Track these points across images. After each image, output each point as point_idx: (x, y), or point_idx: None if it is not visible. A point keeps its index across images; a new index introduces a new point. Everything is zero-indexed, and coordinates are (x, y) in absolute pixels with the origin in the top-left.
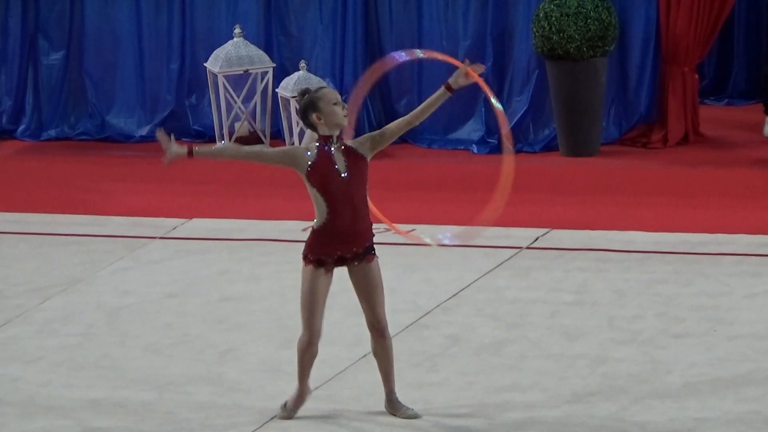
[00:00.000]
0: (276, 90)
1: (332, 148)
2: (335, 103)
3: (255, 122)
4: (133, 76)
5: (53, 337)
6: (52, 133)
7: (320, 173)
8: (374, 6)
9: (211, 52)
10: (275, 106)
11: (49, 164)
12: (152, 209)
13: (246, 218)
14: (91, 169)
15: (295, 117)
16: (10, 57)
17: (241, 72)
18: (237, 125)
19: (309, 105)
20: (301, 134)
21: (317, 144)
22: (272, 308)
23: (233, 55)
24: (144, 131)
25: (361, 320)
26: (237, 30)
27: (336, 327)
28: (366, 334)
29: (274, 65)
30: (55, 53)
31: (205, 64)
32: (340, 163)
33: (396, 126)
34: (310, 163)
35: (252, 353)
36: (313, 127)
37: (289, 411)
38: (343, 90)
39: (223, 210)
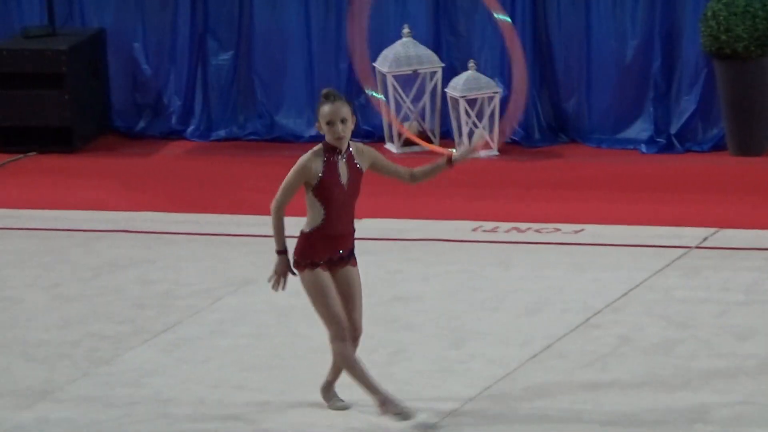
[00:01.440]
0: (445, 90)
1: (338, 161)
2: (329, 122)
3: (424, 122)
4: (302, 76)
5: (224, 338)
6: (222, 133)
7: (326, 186)
8: (542, 6)
9: (380, 52)
10: (444, 106)
11: (219, 164)
12: None
13: (417, 218)
14: (261, 169)
15: (464, 116)
16: (179, 57)
17: (410, 72)
18: (406, 125)
19: (315, 115)
20: (470, 134)
21: (324, 157)
22: (442, 308)
23: (402, 55)
24: (313, 131)
25: (532, 320)
26: (406, 30)
27: (506, 327)
28: (536, 334)
29: (443, 65)
30: (224, 53)
31: (373, 64)
32: (344, 175)
33: (394, 169)
34: (320, 175)
35: (422, 353)
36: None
37: (401, 411)
38: (512, 89)
39: (394, 211)
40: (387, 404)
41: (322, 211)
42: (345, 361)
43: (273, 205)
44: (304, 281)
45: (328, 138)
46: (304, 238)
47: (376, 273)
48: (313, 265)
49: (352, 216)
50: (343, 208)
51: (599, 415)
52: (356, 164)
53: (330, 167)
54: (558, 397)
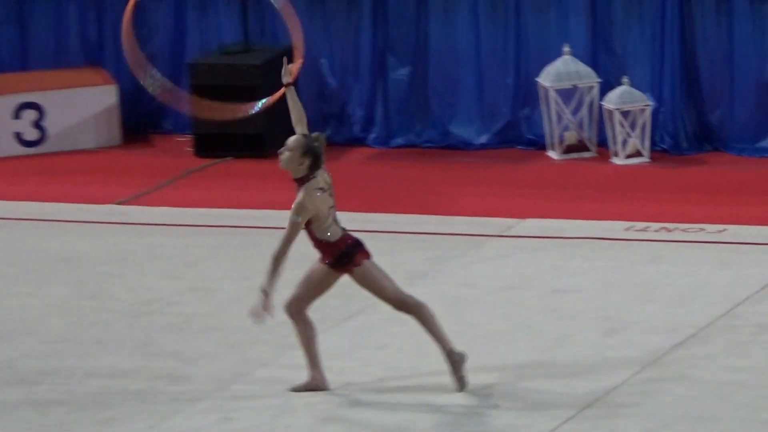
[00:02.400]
0: (601, 102)
1: (318, 178)
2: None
3: (582, 132)
4: (472, 90)
5: (400, 325)
6: (400, 140)
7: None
8: (690, 27)
9: (543, 68)
10: (600, 118)
11: (397, 169)
12: (491, 210)
13: (574, 219)
14: (435, 173)
15: (618, 127)
16: (361, 72)
17: (570, 86)
18: (566, 134)
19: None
20: (624, 143)
21: (318, 188)
22: (598, 299)
23: (562, 71)
24: (483, 139)
25: (679, 311)
26: (566, 48)
27: (656, 317)
28: (683, 323)
29: (600, 80)
30: (402, 68)
31: (537, 79)
32: (328, 185)
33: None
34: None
35: (580, 341)
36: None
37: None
38: (661, 102)
39: (554, 211)
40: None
41: (333, 221)
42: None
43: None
44: (366, 269)
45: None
46: (335, 244)
47: (538, 268)
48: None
49: None
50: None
51: (739, 397)
52: None
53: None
54: (703, 379)
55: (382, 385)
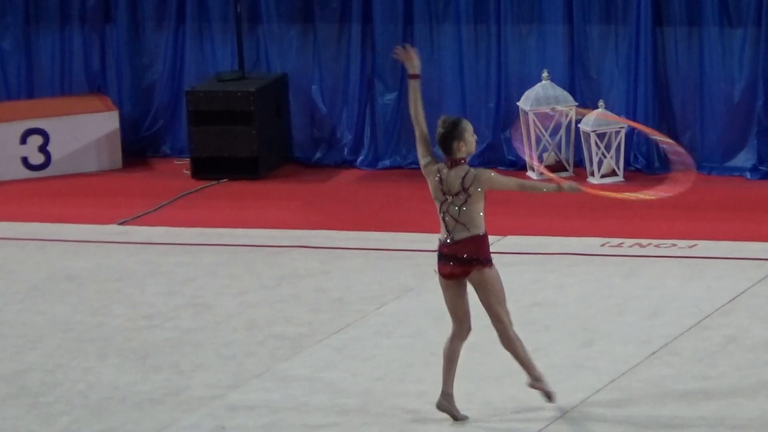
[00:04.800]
0: (578, 125)
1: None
2: (473, 135)
3: (560, 153)
4: (456, 113)
5: (387, 338)
6: (387, 162)
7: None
8: (662, 52)
9: (523, 93)
10: (577, 139)
11: (384, 189)
12: None
13: (552, 235)
14: (420, 193)
15: (594, 148)
16: (350, 98)
17: (548, 110)
18: (545, 155)
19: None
20: (600, 163)
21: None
22: (574, 312)
23: (542, 95)
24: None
25: (652, 323)
26: (545, 74)
27: (630, 329)
28: (655, 334)
29: (577, 104)
30: (389, 94)
31: (517, 103)
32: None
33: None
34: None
35: (557, 351)
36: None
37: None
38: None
39: (533, 228)
40: (540, 381)
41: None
42: (516, 343)
43: None
44: (494, 275)
45: (472, 147)
46: (485, 239)
47: (518, 282)
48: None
49: None
50: None
51: (708, 405)
52: None
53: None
54: (673, 388)
55: (370, 396)
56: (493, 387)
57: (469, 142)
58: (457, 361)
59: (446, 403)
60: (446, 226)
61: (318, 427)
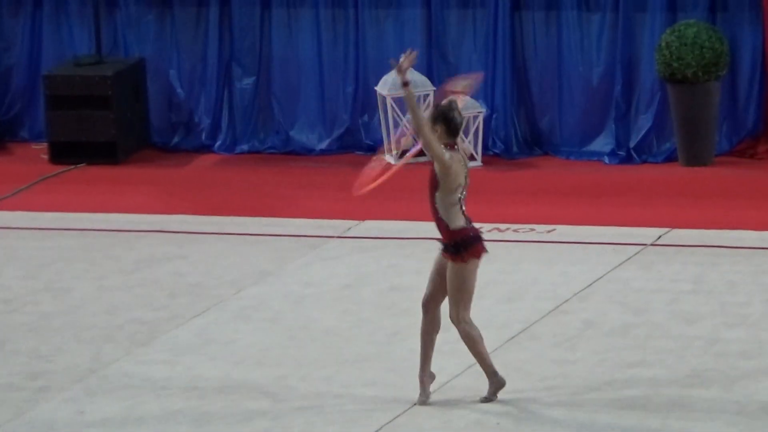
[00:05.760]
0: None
1: (459, 154)
2: None
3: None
4: (314, 98)
5: (246, 323)
6: (245, 147)
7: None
8: (520, 37)
9: (381, 78)
10: None
11: (242, 174)
12: (331, 212)
13: (411, 220)
14: (278, 178)
15: None
16: (208, 82)
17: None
18: (402, 139)
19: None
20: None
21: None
22: None
23: (400, 80)
24: (323, 145)
25: (510, 307)
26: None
27: (488, 313)
28: (514, 319)
29: (435, 88)
30: (247, 78)
31: (375, 88)
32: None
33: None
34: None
35: (415, 335)
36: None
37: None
38: (493, 109)
39: (391, 213)
40: (496, 377)
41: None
42: (474, 339)
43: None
44: (469, 268)
45: (449, 141)
46: (463, 231)
47: (376, 267)
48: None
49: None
50: None
51: (567, 388)
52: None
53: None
54: (531, 372)
55: (229, 380)
56: (352, 371)
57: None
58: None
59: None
60: (464, 212)
61: (177, 412)
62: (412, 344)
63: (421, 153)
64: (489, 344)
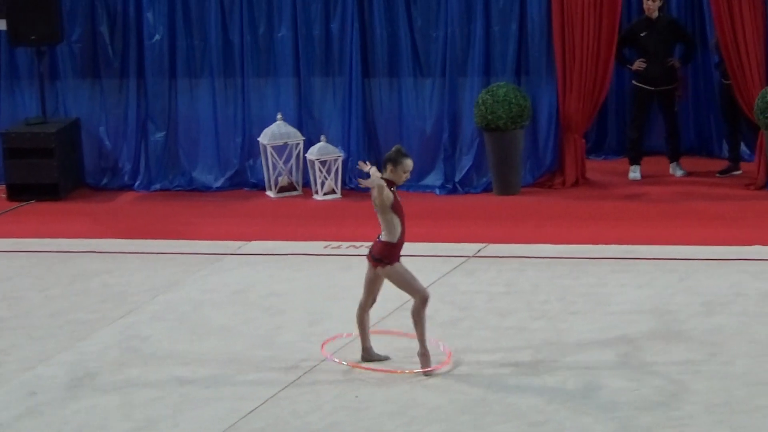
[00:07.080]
0: (306, 155)
1: (394, 190)
2: (405, 172)
3: (291, 176)
4: (211, 147)
5: (160, 322)
6: (158, 186)
7: (399, 206)
8: (370, 98)
9: (263, 130)
10: (305, 166)
11: (156, 207)
12: (225, 235)
13: (286, 240)
14: (184, 209)
15: (318, 173)
16: (129, 136)
17: (282, 143)
18: (280, 179)
19: (394, 159)
20: (322, 184)
21: (393, 188)
22: (303, 299)
23: (277, 132)
24: (219, 183)
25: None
26: (279, 116)
27: (349, 312)
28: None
29: (304, 138)
30: (159, 132)
31: (258, 139)
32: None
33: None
34: (394, 199)
35: (291, 330)
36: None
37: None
38: (349, 153)
39: (271, 235)
40: (426, 357)
41: (400, 225)
42: (419, 311)
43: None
44: (397, 270)
45: (399, 180)
46: (392, 246)
47: (259, 277)
48: (397, 259)
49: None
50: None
51: (408, 365)
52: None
53: (395, 193)
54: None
55: (148, 367)
56: (242, 358)
57: (398, 173)
58: (367, 325)
59: (367, 355)
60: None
61: (106, 390)
62: (288, 337)
63: (288, 189)
64: (351, 330)
